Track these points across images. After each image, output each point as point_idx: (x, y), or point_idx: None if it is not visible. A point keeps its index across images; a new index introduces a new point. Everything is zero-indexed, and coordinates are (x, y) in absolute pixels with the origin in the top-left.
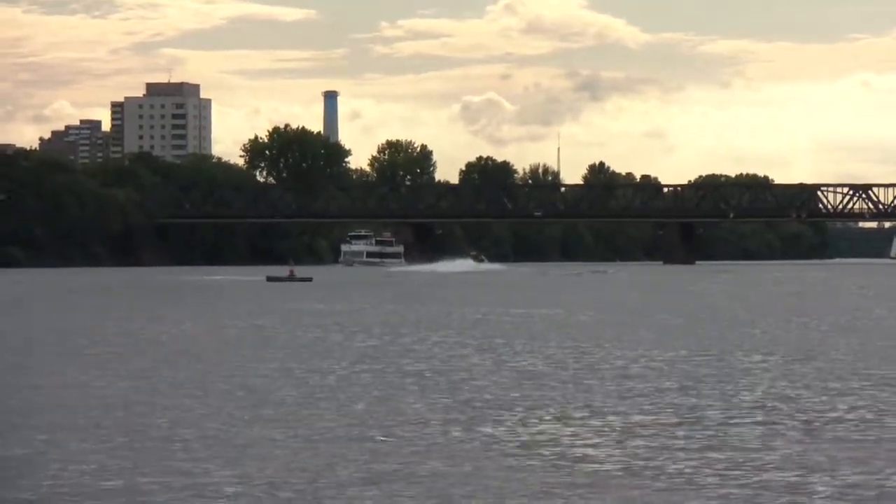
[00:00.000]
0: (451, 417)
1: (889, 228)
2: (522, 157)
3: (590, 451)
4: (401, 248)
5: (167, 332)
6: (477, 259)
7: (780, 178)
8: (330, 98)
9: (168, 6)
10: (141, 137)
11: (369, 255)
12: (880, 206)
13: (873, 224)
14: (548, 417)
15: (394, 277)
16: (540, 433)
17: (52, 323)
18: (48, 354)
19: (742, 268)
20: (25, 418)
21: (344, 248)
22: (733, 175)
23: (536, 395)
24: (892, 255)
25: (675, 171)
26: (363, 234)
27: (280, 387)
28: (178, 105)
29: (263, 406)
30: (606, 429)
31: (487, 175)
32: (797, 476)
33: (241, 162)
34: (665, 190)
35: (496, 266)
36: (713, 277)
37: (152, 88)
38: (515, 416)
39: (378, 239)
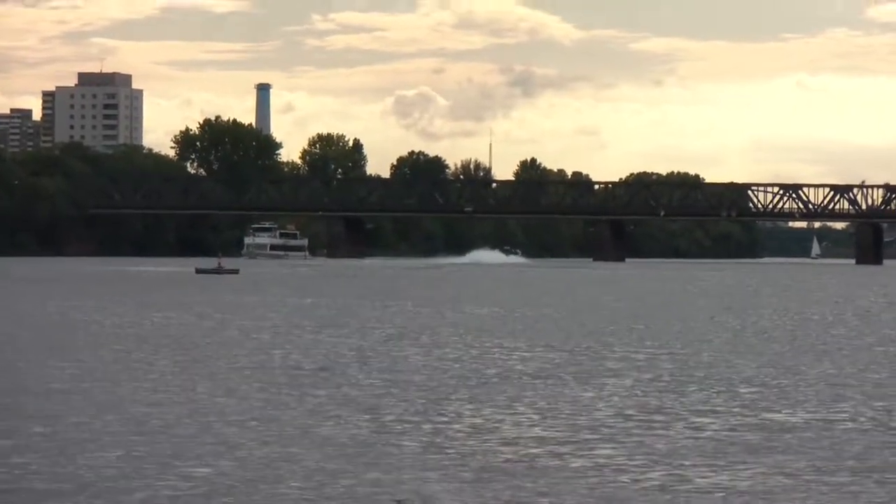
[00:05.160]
0: None
1: (818, 229)
2: (454, 153)
3: None
4: (305, 242)
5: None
6: (510, 252)
7: (710, 176)
8: (262, 90)
9: None
10: (72, 127)
11: (273, 247)
12: (810, 206)
13: (802, 224)
14: None
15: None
16: None
17: None
18: None
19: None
20: None
21: (247, 240)
22: (664, 173)
23: None
24: (813, 255)
25: (606, 168)
26: (267, 226)
27: None
28: (109, 95)
29: None
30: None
31: (419, 169)
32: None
33: (171, 153)
34: (596, 187)
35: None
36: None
37: (84, 78)
38: None
39: (282, 231)
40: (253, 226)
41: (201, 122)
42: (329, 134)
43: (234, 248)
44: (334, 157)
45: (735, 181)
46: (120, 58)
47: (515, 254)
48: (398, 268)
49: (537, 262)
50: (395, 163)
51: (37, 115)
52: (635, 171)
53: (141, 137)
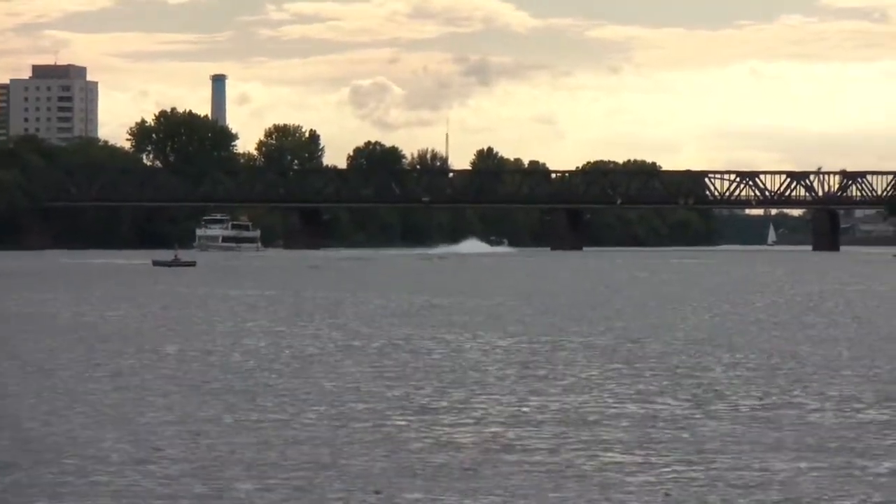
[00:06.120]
0: None
1: (774, 216)
2: (411, 142)
3: None
4: (257, 233)
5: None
6: (495, 243)
7: (668, 164)
8: (218, 81)
9: None
10: (26, 120)
11: (225, 239)
12: (767, 193)
13: (759, 211)
14: None
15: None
16: None
17: None
18: None
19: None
20: None
21: (199, 232)
22: (621, 161)
23: None
24: (770, 242)
25: (564, 156)
26: (219, 217)
27: None
28: (64, 87)
29: None
30: None
31: (375, 160)
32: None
33: (127, 145)
34: (553, 176)
35: (509, 249)
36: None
37: (38, 70)
38: None
39: (234, 223)
40: (205, 217)
41: (157, 113)
42: (285, 125)
43: (191, 240)
44: (290, 147)
45: (692, 169)
46: (74, 50)
47: (502, 244)
48: (402, 258)
49: (525, 252)
50: (351, 153)
51: None
52: (592, 160)
53: (96, 130)
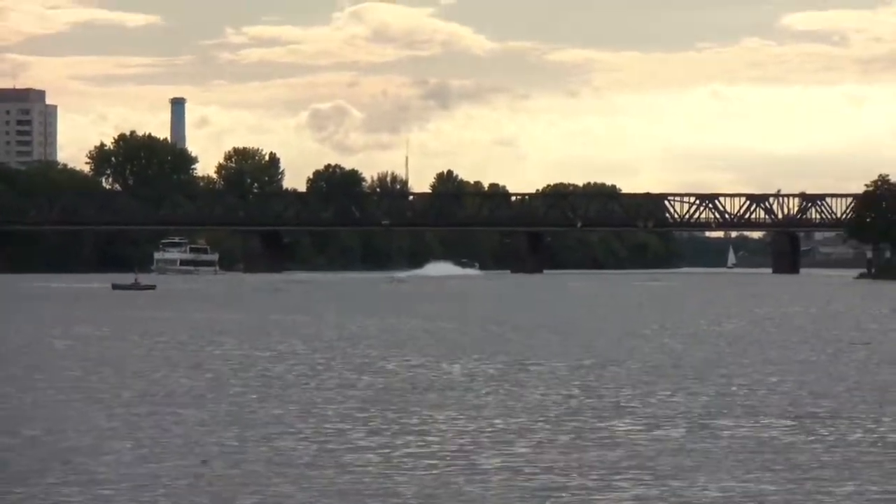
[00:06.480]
0: None
1: (734, 238)
2: (370, 165)
3: None
4: (216, 257)
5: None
6: (467, 265)
7: (627, 187)
8: (177, 105)
9: (10, 10)
10: None
11: (183, 262)
12: (726, 216)
13: (719, 233)
14: None
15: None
16: None
17: None
18: None
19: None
20: None
21: (157, 255)
22: (581, 184)
23: None
24: (729, 264)
25: (524, 179)
26: (177, 241)
27: None
28: (23, 111)
29: None
30: None
31: (335, 183)
32: None
33: (86, 169)
34: (513, 199)
35: (478, 272)
36: None
37: None
38: None
39: (192, 246)
40: (163, 241)
41: (116, 137)
42: (245, 148)
43: (150, 263)
44: (250, 171)
45: (651, 191)
46: (33, 73)
47: (472, 266)
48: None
49: (492, 275)
50: (311, 176)
51: None
52: (552, 182)
53: (55, 153)
